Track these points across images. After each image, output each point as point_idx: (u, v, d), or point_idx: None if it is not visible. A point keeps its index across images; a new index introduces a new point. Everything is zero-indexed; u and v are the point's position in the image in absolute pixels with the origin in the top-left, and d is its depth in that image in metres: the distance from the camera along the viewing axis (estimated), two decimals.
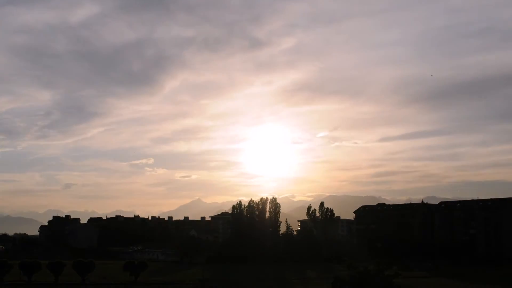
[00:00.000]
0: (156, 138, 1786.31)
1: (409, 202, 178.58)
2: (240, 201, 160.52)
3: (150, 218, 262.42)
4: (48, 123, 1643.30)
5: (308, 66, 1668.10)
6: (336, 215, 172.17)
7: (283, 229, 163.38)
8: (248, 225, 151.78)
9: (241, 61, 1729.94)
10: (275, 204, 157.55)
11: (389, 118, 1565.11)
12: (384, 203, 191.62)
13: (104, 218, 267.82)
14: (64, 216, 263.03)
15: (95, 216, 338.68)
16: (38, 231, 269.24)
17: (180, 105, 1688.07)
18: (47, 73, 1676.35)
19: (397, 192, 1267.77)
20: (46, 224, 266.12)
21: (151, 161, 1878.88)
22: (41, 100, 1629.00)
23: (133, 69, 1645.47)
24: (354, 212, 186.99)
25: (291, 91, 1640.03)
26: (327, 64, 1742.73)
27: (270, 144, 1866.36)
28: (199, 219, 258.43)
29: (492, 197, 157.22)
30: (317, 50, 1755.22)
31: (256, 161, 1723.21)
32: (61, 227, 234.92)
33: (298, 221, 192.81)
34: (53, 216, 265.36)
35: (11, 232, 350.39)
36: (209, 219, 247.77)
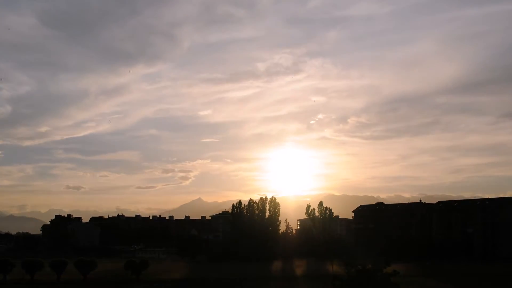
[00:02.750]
0: (154, 123, 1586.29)
1: (407, 202, 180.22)
2: (240, 201, 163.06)
3: (151, 217, 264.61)
4: (22, 110, 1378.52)
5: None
6: (335, 214, 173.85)
7: (282, 228, 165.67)
8: (248, 224, 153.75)
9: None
10: (274, 204, 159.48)
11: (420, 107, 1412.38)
12: (382, 203, 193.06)
13: (106, 217, 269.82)
14: (66, 216, 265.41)
15: (97, 215, 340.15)
16: (41, 230, 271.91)
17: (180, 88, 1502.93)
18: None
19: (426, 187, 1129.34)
20: (49, 223, 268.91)
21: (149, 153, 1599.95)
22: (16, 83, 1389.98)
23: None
24: (353, 212, 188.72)
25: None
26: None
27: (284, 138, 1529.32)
28: (200, 218, 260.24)
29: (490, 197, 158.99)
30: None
31: (271, 154, 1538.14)
32: (63, 226, 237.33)
33: (297, 220, 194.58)
34: (55, 215, 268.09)
35: (14, 231, 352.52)
36: (210, 218, 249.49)
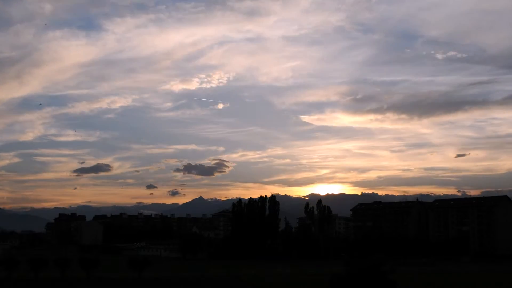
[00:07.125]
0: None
1: (405, 200, 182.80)
2: (240, 199, 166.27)
3: (153, 216, 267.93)
4: None
5: None
6: (334, 212, 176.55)
7: (282, 226, 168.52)
8: (248, 223, 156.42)
9: None
10: (274, 202, 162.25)
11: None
12: (380, 201, 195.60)
13: (109, 215, 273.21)
14: (70, 214, 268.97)
15: (98, 213, 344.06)
16: (45, 228, 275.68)
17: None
18: None
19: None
20: (53, 221, 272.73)
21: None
22: None
23: None
24: (351, 210, 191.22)
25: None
26: None
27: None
28: (201, 216, 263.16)
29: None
30: None
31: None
32: (67, 225, 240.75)
33: (297, 218, 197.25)
34: (59, 214, 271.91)
35: (18, 230, 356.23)
36: (211, 216, 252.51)
